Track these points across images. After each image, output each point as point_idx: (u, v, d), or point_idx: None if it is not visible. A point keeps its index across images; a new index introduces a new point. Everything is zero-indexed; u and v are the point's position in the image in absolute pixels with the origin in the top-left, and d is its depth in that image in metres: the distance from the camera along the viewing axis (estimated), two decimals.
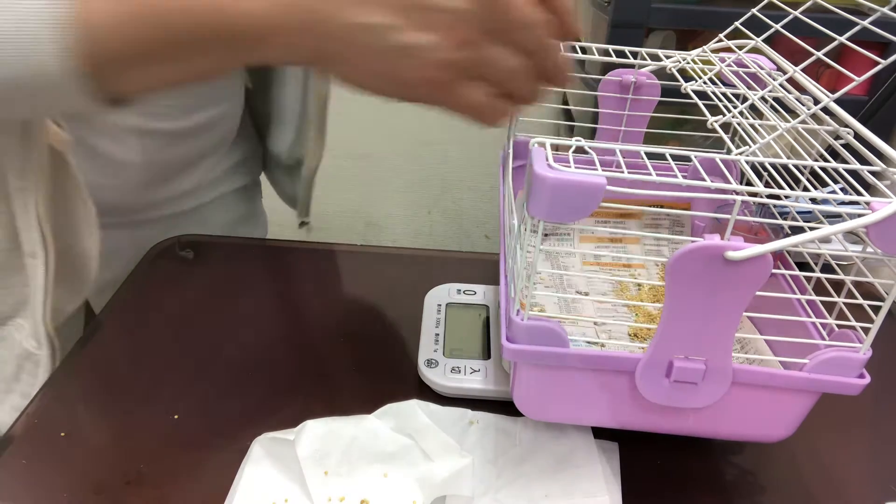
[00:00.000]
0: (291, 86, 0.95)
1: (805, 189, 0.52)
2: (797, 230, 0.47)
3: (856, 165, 0.50)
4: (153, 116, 0.81)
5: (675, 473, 0.62)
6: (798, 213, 0.59)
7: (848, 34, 0.53)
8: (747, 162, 0.58)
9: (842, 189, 0.53)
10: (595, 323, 0.65)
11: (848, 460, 0.65)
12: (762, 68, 0.68)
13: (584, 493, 0.57)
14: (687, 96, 0.62)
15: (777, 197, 0.48)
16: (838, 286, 0.54)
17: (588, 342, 0.61)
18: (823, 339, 0.54)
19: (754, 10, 0.65)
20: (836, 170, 0.51)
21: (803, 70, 0.56)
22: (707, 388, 0.51)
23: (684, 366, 0.50)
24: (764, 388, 0.53)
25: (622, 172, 0.45)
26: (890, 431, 0.69)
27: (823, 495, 0.61)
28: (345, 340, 0.77)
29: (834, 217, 0.62)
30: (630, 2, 1.53)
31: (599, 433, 0.62)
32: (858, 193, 0.48)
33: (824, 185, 0.54)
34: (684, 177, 0.47)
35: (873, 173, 0.49)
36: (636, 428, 0.58)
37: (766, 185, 0.63)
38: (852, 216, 0.45)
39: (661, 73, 0.73)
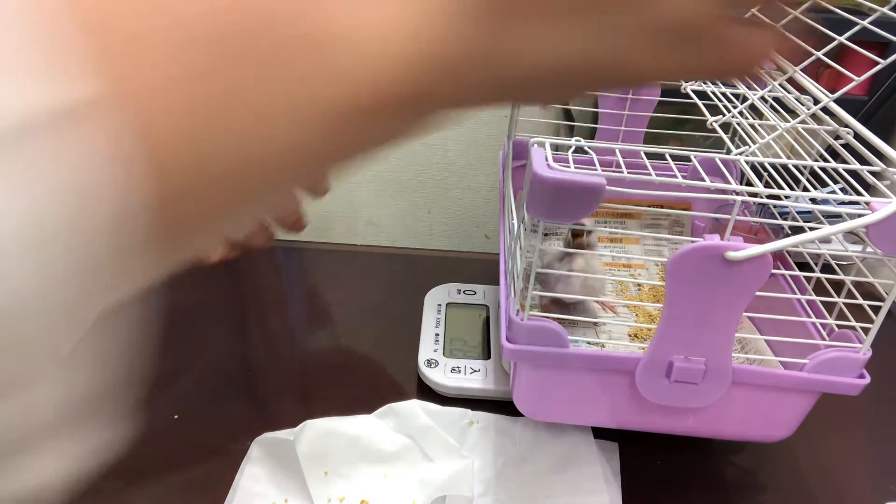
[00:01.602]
0: None
1: (805, 189, 0.52)
2: (797, 230, 0.47)
3: (856, 165, 0.50)
4: None
5: (675, 473, 0.62)
6: (798, 212, 0.59)
7: (848, 34, 0.53)
8: (747, 162, 0.58)
9: (841, 189, 0.53)
10: (595, 323, 0.65)
11: (848, 460, 0.65)
12: (762, 68, 0.67)
13: (584, 493, 0.57)
14: (687, 96, 0.62)
15: (777, 197, 0.48)
16: (838, 286, 0.54)
17: (588, 342, 0.61)
18: (823, 339, 0.54)
19: (754, 10, 0.65)
20: (835, 170, 0.51)
21: (803, 70, 0.56)
22: (707, 388, 0.51)
23: (684, 366, 0.50)
24: (764, 388, 0.53)
25: (622, 172, 0.45)
26: (890, 431, 0.69)
27: (823, 495, 0.61)
28: (345, 340, 0.77)
29: (834, 217, 0.62)
30: None
31: (599, 433, 0.62)
32: (858, 193, 0.48)
33: (824, 185, 0.53)
34: (684, 177, 0.47)
35: (873, 173, 0.49)
36: (636, 428, 0.58)
37: (766, 185, 0.63)
38: (852, 216, 0.45)
39: None
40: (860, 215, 0.45)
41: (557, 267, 0.62)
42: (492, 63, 0.24)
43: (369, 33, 0.22)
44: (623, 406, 0.54)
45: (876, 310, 0.50)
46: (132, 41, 0.19)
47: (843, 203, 0.50)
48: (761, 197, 0.47)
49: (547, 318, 0.51)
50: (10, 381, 0.18)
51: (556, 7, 0.24)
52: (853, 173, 0.51)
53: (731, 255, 0.44)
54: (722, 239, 0.45)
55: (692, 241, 0.45)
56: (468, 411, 0.65)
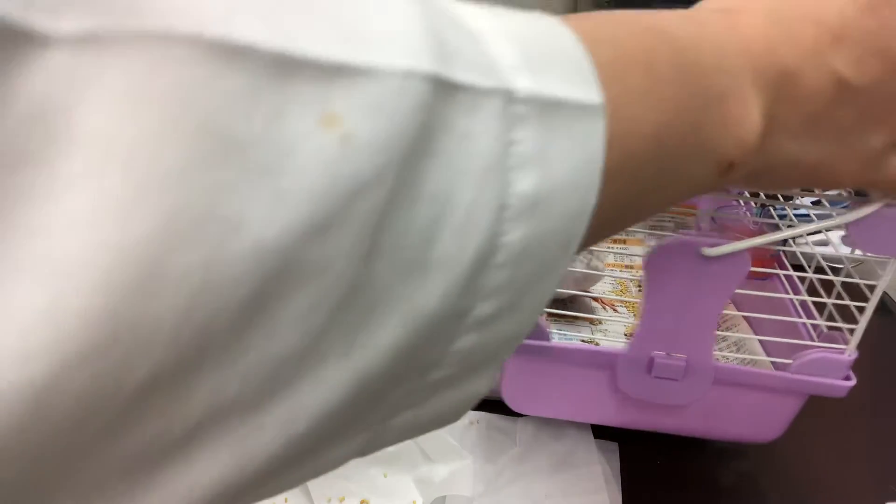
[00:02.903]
0: None
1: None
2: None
3: None
4: None
5: (675, 473, 0.62)
6: (794, 214, 0.59)
7: None
8: None
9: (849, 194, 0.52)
10: (592, 321, 0.66)
11: (847, 460, 0.64)
12: None
13: (584, 493, 0.57)
14: None
15: (776, 198, 0.48)
16: (832, 288, 0.54)
17: (582, 340, 0.61)
18: (813, 340, 0.54)
19: None
20: None
21: None
22: (688, 386, 0.51)
23: (665, 362, 0.50)
24: (748, 387, 0.52)
25: None
26: (889, 432, 0.67)
27: (823, 495, 0.61)
28: None
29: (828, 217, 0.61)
30: (630, 2, 1.52)
31: (599, 433, 0.62)
32: (858, 193, 0.48)
33: None
34: None
35: None
36: (621, 425, 0.58)
37: None
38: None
39: None
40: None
41: None
42: (760, 156, 0.32)
43: (747, 122, 0.30)
44: (606, 401, 0.54)
45: (862, 311, 0.49)
46: (613, 61, 0.25)
47: (835, 203, 0.49)
48: (759, 198, 0.47)
49: (557, 314, 0.51)
50: None
51: (816, 131, 0.33)
52: None
53: (707, 251, 0.44)
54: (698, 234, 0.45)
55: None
56: (468, 411, 0.65)
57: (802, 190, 0.55)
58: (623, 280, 0.71)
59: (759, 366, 0.57)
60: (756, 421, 0.55)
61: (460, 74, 0.20)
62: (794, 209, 0.60)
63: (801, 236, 0.55)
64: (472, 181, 0.20)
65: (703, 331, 0.49)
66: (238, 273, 0.16)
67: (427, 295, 0.20)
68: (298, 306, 0.18)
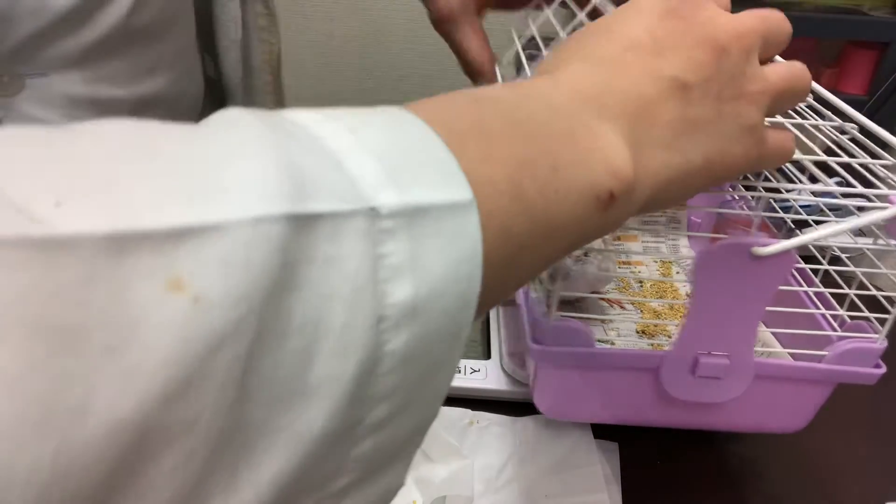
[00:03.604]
0: (232, 52, 0.87)
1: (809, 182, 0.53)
2: (800, 224, 0.48)
3: (867, 159, 0.50)
4: (99, 81, 0.70)
5: (675, 473, 0.62)
6: (800, 206, 0.60)
7: (848, 34, 0.53)
8: None
9: (837, 183, 0.53)
10: (602, 321, 0.66)
11: (848, 460, 0.66)
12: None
13: (584, 493, 0.58)
14: None
15: (777, 191, 0.49)
16: (843, 278, 0.55)
17: (599, 340, 0.61)
18: (835, 330, 0.55)
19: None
20: (846, 164, 0.51)
21: None
22: (730, 383, 0.52)
23: (708, 361, 0.50)
24: (784, 380, 0.54)
25: None
26: (891, 431, 0.70)
27: (824, 495, 0.62)
28: None
29: (835, 210, 0.63)
30: None
31: (599, 433, 0.62)
32: (870, 187, 0.49)
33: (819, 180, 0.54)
34: None
35: (885, 167, 0.50)
36: (659, 424, 0.58)
37: (766, 179, 0.64)
38: (864, 210, 0.46)
39: None
40: (866, 208, 0.46)
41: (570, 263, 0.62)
42: (647, 176, 0.34)
43: (608, 150, 0.31)
44: (646, 403, 0.55)
45: (891, 300, 0.51)
46: (449, 138, 0.26)
47: (848, 196, 0.50)
48: (759, 191, 0.47)
49: (570, 317, 0.51)
50: None
51: (687, 133, 0.35)
52: (860, 167, 0.51)
53: (759, 250, 0.45)
54: (749, 235, 0.46)
55: (690, 237, 0.45)
56: (468, 411, 0.65)
57: (811, 180, 0.56)
58: (624, 277, 0.71)
59: (777, 357, 0.59)
60: (788, 412, 0.56)
61: (318, 205, 0.21)
62: (800, 202, 0.61)
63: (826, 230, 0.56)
64: (343, 302, 0.21)
65: (746, 329, 0.49)
66: (93, 454, 0.17)
67: (311, 419, 0.21)
68: (168, 464, 0.18)
